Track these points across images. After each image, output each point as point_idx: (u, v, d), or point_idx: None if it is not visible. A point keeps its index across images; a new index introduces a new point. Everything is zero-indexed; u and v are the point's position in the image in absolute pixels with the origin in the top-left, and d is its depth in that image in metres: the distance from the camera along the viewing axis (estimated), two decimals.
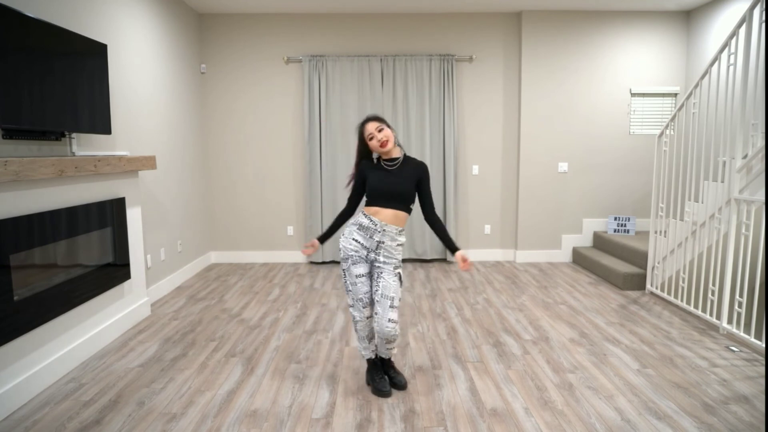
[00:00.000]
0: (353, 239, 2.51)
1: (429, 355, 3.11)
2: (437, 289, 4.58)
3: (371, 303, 2.56)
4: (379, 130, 2.49)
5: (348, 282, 2.54)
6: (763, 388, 2.66)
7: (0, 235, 2.40)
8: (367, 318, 2.57)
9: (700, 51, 5.20)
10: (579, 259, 5.46)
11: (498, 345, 3.27)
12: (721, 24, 4.87)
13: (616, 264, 4.77)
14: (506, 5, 5.17)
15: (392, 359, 2.82)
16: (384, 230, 2.48)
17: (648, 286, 4.40)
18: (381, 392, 2.59)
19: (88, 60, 3.10)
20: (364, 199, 2.64)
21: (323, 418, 2.40)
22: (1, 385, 2.42)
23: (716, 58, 3.56)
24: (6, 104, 2.47)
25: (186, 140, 5.03)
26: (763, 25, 3.23)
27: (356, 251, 2.51)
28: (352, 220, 2.59)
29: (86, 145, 3.33)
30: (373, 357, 2.69)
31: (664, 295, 4.16)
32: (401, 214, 2.52)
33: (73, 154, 3.14)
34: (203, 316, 3.84)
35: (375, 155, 2.62)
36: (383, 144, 2.48)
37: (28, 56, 2.61)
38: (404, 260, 5.67)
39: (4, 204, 2.45)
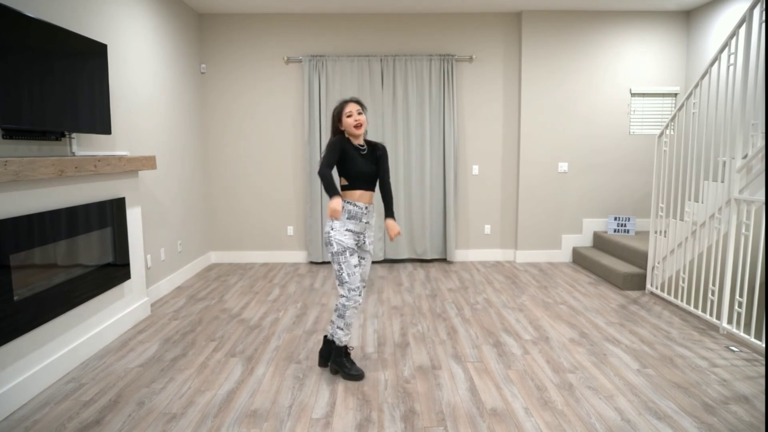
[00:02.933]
0: (347, 230, 2.68)
1: (429, 355, 3.11)
2: (437, 289, 4.58)
3: (362, 292, 2.77)
4: (359, 113, 2.67)
5: (346, 273, 2.67)
6: (763, 388, 2.66)
7: (0, 235, 2.40)
8: (360, 304, 2.78)
9: (700, 51, 5.20)
10: (579, 259, 5.46)
11: (498, 345, 3.27)
12: (721, 24, 4.87)
13: (616, 264, 4.77)
14: (506, 5, 5.17)
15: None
16: (368, 211, 2.73)
17: (648, 286, 4.40)
18: (358, 376, 2.77)
19: (88, 60, 3.10)
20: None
21: (323, 418, 2.40)
22: (1, 385, 2.42)
23: (716, 58, 3.56)
24: (6, 104, 2.47)
25: (186, 140, 5.03)
26: (763, 25, 3.23)
27: (353, 242, 2.70)
28: (343, 210, 2.69)
29: (86, 145, 3.33)
30: (347, 343, 2.87)
31: (664, 295, 4.16)
32: (373, 194, 2.78)
33: (73, 154, 3.14)
34: (203, 316, 3.84)
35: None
36: (358, 126, 2.66)
37: (28, 56, 2.61)
38: (404, 260, 5.68)
39: (4, 204, 2.45)
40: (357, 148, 2.72)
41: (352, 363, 2.82)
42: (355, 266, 2.67)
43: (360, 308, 2.77)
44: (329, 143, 2.67)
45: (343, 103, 2.69)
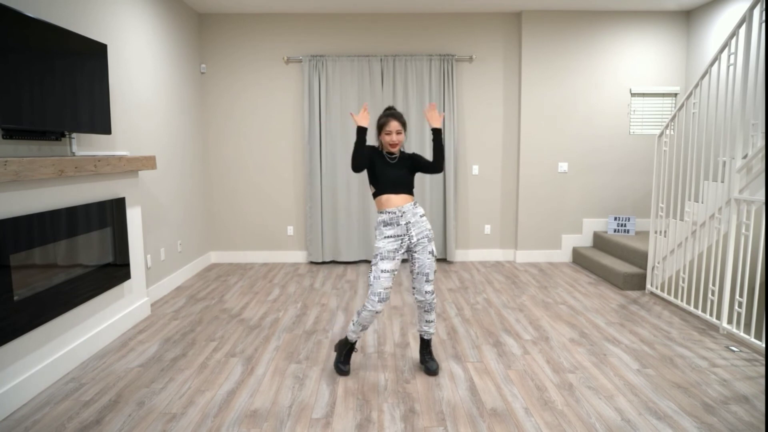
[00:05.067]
0: (385, 237, 2.73)
1: None
2: (437, 289, 4.58)
3: (388, 298, 2.74)
4: (398, 133, 2.75)
5: (372, 276, 2.71)
6: (763, 388, 2.66)
7: (0, 235, 2.40)
8: (377, 312, 2.71)
9: (700, 51, 5.20)
10: (579, 259, 5.46)
11: (498, 345, 3.27)
12: (721, 24, 4.87)
13: (616, 264, 4.77)
14: (506, 5, 5.17)
15: (431, 343, 2.95)
16: (403, 212, 2.73)
17: (648, 286, 4.40)
18: (339, 369, 2.86)
19: (88, 60, 3.10)
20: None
21: (323, 418, 2.40)
22: (1, 385, 2.42)
23: (716, 58, 3.56)
24: (6, 104, 2.47)
25: (186, 140, 5.03)
26: (763, 25, 3.23)
27: (393, 247, 2.72)
28: (375, 223, 2.78)
29: (86, 145, 3.34)
30: (354, 341, 2.87)
31: (664, 295, 4.16)
32: (407, 196, 2.79)
33: (73, 154, 3.14)
34: (203, 316, 3.84)
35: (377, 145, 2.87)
36: (394, 145, 2.76)
37: (28, 56, 2.61)
38: (404, 260, 5.67)
39: (4, 204, 2.45)
40: (386, 158, 2.80)
41: (347, 360, 2.87)
42: (383, 272, 2.68)
43: (377, 316, 2.74)
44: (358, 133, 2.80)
45: (388, 118, 2.75)
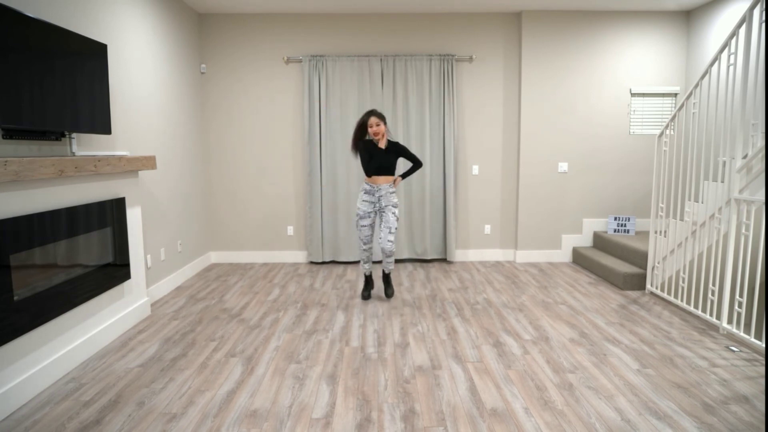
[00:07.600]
0: (363, 201, 3.98)
1: (429, 355, 3.11)
2: (437, 289, 4.58)
3: (370, 241, 4.05)
4: (377, 124, 3.84)
5: (357, 228, 4.04)
6: (763, 388, 2.66)
7: (0, 235, 2.40)
8: (366, 249, 4.06)
9: (700, 51, 5.20)
10: (579, 259, 5.46)
11: (498, 345, 3.27)
12: (721, 24, 4.87)
13: (616, 264, 4.77)
14: (506, 5, 5.17)
15: (390, 275, 4.35)
16: (380, 188, 3.94)
17: (648, 286, 4.40)
18: (363, 296, 4.20)
19: (88, 60, 3.10)
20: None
21: (323, 418, 2.40)
22: (1, 385, 2.42)
23: (716, 58, 3.56)
24: (6, 104, 2.47)
25: (186, 140, 5.03)
26: (763, 25, 3.23)
27: (365, 209, 3.97)
28: (362, 188, 4.00)
29: (86, 145, 3.34)
30: (368, 275, 4.25)
31: (664, 295, 4.16)
32: (389, 177, 3.96)
33: (73, 154, 3.14)
34: (203, 316, 3.84)
35: (369, 136, 3.94)
36: (377, 134, 3.86)
37: (28, 56, 2.61)
38: (404, 260, 5.68)
39: (4, 204, 2.45)
40: (375, 147, 3.89)
41: (365, 287, 4.23)
42: (363, 226, 3.98)
43: (370, 252, 4.11)
44: (357, 149, 3.97)
45: (367, 116, 3.84)
